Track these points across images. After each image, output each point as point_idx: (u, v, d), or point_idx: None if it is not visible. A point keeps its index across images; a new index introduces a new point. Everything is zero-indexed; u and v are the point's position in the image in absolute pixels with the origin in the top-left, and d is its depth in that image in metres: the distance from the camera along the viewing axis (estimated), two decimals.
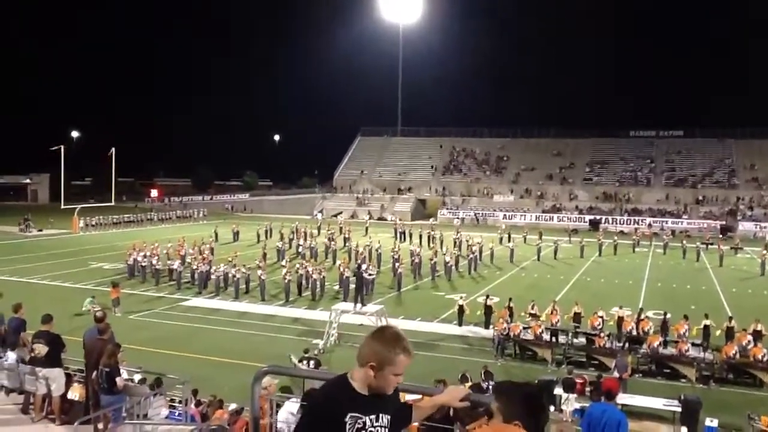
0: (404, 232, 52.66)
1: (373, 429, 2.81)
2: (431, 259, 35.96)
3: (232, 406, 11.62)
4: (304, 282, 30.24)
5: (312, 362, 16.79)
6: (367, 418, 2.79)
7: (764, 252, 40.52)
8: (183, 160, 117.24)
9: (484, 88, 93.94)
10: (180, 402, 11.39)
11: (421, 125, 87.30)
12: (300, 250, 41.62)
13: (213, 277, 30.73)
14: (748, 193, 67.99)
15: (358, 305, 23.30)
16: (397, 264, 33.48)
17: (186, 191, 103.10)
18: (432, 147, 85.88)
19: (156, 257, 34.19)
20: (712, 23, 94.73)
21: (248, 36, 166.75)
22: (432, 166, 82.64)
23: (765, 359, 19.31)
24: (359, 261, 31.45)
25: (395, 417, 2.96)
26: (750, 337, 20.42)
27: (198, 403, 12.87)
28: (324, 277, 30.62)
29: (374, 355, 2.79)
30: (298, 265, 31.73)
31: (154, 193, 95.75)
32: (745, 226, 61.78)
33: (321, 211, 73.41)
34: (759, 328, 21.44)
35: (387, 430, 2.87)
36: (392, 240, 48.37)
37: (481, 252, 40.66)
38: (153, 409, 10.37)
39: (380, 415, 2.85)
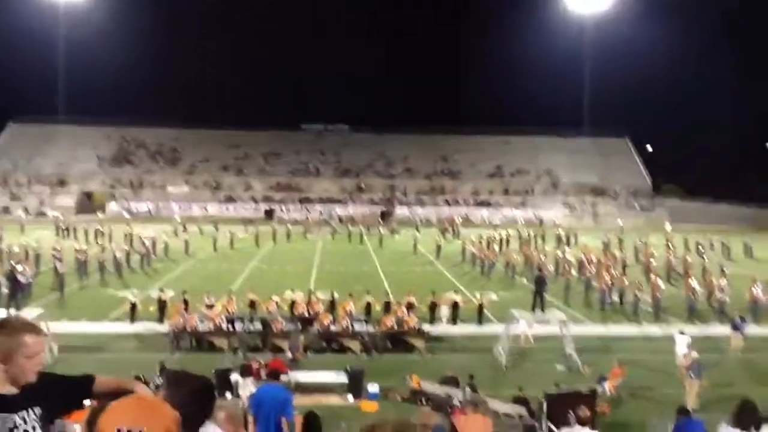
0: (68, 228, 48.41)
1: (26, 426, 2.59)
2: (99, 256, 33.58)
3: None
4: None
5: None
6: (16, 416, 2.57)
7: (415, 233, 45.83)
8: None
9: (154, 76, 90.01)
10: None
11: (86, 113, 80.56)
12: None
13: None
14: (403, 181, 76.03)
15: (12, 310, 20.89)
16: (59, 263, 30.65)
17: None
18: (99, 136, 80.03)
19: None
20: (384, 18, 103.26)
21: None
22: (99, 157, 77.11)
23: (416, 327, 21.92)
24: (13, 262, 28.14)
25: (54, 400, 2.75)
26: (404, 309, 22.93)
27: None
28: None
29: None
30: None
31: None
32: (400, 211, 69.22)
33: None
34: (411, 300, 24.20)
35: (40, 421, 2.66)
36: (54, 237, 44.14)
37: (154, 245, 39.22)
38: None
39: (31, 408, 2.63)
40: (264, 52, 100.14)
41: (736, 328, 21.78)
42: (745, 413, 6.65)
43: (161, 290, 25.08)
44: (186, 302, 22.99)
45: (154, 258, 37.97)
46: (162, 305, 23.85)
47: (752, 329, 23.65)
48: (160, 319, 23.49)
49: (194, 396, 2.79)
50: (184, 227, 47.38)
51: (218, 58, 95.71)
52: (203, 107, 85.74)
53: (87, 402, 2.99)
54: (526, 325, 21.20)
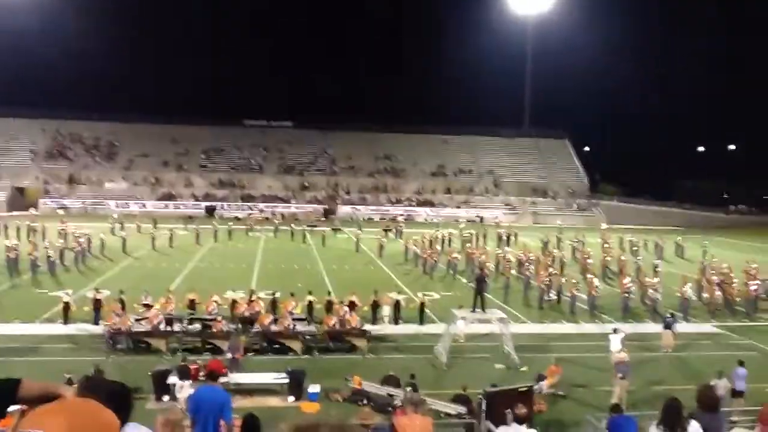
0: None
1: None
2: (30, 254, 32.38)
3: None
4: None
5: None
6: None
7: (358, 231, 45.80)
8: None
9: (92, 68, 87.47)
10: None
11: (18, 105, 77.62)
12: None
13: None
14: (346, 180, 75.90)
15: None
16: None
17: None
18: (33, 129, 77.28)
19: None
20: (327, 17, 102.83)
21: None
22: (32, 151, 74.47)
23: (358, 327, 21.92)
24: None
25: None
26: (346, 308, 22.88)
27: None
28: None
29: None
30: None
31: None
32: (343, 210, 69.05)
33: None
34: (353, 299, 24.17)
35: None
36: None
37: (90, 243, 38.13)
38: None
39: None
40: (207, 47, 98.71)
41: (668, 326, 22.50)
42: (670, 413, 6.90)
43: (96, 290, 24.38)
44: (122, 302, 22.44)
45: (89, 256, 36.92)
46: (97, 305, 23.17)
47: (683, 327, 24.54)
48: (96, 320, 22.83)
49: (109, 402, 2.71)
50: (122, 224, 46.15)
51: (159, 52, 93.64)
52: (142, 101, 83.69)
53: (12, 408, 2.87)
54: (462, 323, 21.41)
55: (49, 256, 32.80)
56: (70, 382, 15.35)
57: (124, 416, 2.77)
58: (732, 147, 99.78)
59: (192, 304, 23.68)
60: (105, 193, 69.30)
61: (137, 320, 21.31)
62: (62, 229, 41.74)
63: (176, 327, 21.48)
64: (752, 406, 13.74)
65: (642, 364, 20.17)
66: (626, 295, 27.69)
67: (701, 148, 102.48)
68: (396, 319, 24.80)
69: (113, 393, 2.76)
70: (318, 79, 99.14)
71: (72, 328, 22.73)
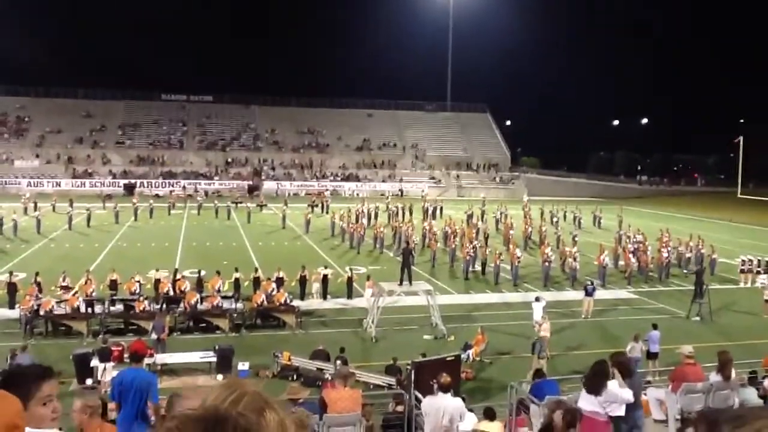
0: None
1: None
2: None
3: None
4: None
5: None
6: None
7: (284, 207, 45.42)
8: None
9: (1, 39, 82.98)
10: None
11: None
12: None
13: None
14: (270, 155, 74.92)
15: None
16: None
17: None
18: None
19: None
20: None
21: None
22: None
23: (286, 302, 21.83)
24: None
25: None
26: (274, 285, 22.73)
27: None
28: None
29: None
30: None
31: None
32: (268, 185, 68.24)
33: None
34: (281, 275, 24.04)
35: None
36: None
37: (1, 224, 36.40)
38: None
39: None
40: (121, 18, 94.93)
41: (588, 293, 23.38)
42: (597, 375, 7.23)
43: (11, 273, 23.36)
44: (39, 284, 21.61)
45: (1, 237, 35.24)
46: (12, 288, 22.23)
47: (601, 294, 25.56)
48: (11, 304, 21.90)
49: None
50: (35, 204, 44.16)
51: (74, 23, 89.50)
52: (54, 74, 79.94)
53: None
54: (387, 297, 21.58)
55: None
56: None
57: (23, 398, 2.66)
58: (645, 120, 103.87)
59: (114, 285, 23.01)
60: (16, 171, 66.11)
61: (57, 302, 20.54)
62: None
63: (97, 309, 20.85)
64: (665, 367, 14.52)
65: (563, 330, 20.94)
66: (547, 264, 28.57)
67: (616, 122, 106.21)
68: (324, 294, 24.83)
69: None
70: (240, 53, 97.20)
71: None
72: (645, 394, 9.84)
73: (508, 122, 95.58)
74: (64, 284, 22.57)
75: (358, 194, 64.37)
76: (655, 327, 17.86)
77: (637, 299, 26.52)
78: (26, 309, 20.00)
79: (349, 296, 24.81)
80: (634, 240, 34.65)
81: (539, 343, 17.36)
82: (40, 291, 21.34)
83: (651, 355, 17.20)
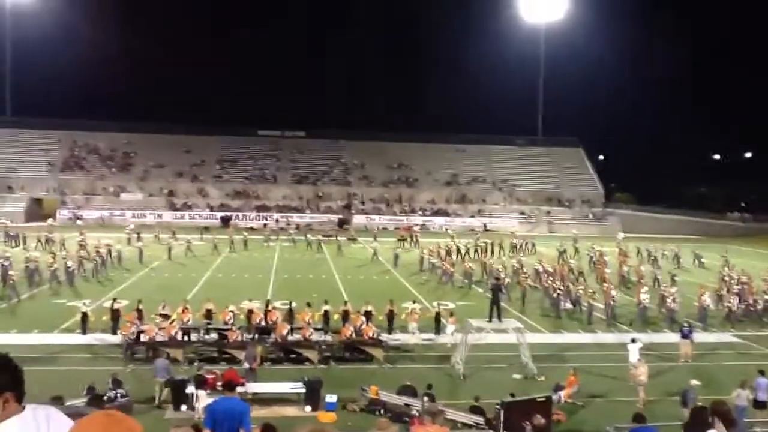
0: (17, 236, 47.05)
1: None
2: (50, 265, 32.63)
3: None
4: None
5: None
6: None
7: (374, 241, 45.79)
8: None
9: (107, 79, 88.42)
10: None
11: (34, 116, 78.50)
12: None
13: None
14: (360, 189, 75.99)
15: None
16: (9, 272, 29.81)
17: None
18: (48, 141, 78.07)
19: None
20: (341, 28, 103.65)
21: None
22: (49, 162, 75.18)
23: (375, 336, 21.89)
24: None
25: None
26: (363, 318, 22.87)
27: None
28: None
29: None
30: None
31: None
32: (358, 219, 69.13)
33: None
34: (369, 309, 24.16)
35: None
36: (1, 245, 42.84)
37: (110, 254, 38.41)
38: None
39: None
40: (221, 58, 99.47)
41: (685, 335, 22.30)
42: (696, 422, 6.85)
43: (114, 300, 24.56)
44: (140, 312, 22.57)
45: (107, 267, 37.15)
46: (115, 315, 23.33)
47: (702, 336, 24.30)
48: (114, 330, 22.98)
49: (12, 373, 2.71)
50: (138, 235, 46.45)
51: (174, 62, 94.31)
52: (157, 111, 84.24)
53: None
54: (476, 334, 21.26)
55: (68, 267, 33.03)
56: (92, 390, 15.47)
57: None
58: (748, 155, 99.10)
59: (209, 314, 23.74)
60: (121, 203, 69.79)
61: (155, 330, 21.38)
62: (81, 240, 41.98)
63: (193, 337, 21.56)
64: None
65: (660, 374, 20.00)
66: (643, 305, 27.47)
67: (716, 156, 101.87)
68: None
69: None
70: (331, 89, 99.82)
71: (90, 338, 22.88)
72: None
73: (601, 156, 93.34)
74: (163, 312, 23.47)
75: (446, 229, 64.12)
76: (762, 373, 16.76)
77: (741, 343, 25.05)
78: (127, 335, 20.91)
79: (437, 332, 24.61)
80: (739, 281, 32.83)
81: (691, 392, 15.86)
82: (140, 318, 22.27)
83: (758, 404, 16.14)
